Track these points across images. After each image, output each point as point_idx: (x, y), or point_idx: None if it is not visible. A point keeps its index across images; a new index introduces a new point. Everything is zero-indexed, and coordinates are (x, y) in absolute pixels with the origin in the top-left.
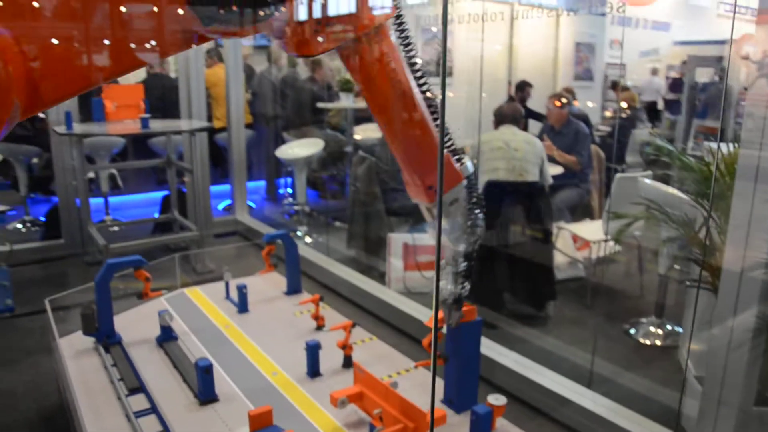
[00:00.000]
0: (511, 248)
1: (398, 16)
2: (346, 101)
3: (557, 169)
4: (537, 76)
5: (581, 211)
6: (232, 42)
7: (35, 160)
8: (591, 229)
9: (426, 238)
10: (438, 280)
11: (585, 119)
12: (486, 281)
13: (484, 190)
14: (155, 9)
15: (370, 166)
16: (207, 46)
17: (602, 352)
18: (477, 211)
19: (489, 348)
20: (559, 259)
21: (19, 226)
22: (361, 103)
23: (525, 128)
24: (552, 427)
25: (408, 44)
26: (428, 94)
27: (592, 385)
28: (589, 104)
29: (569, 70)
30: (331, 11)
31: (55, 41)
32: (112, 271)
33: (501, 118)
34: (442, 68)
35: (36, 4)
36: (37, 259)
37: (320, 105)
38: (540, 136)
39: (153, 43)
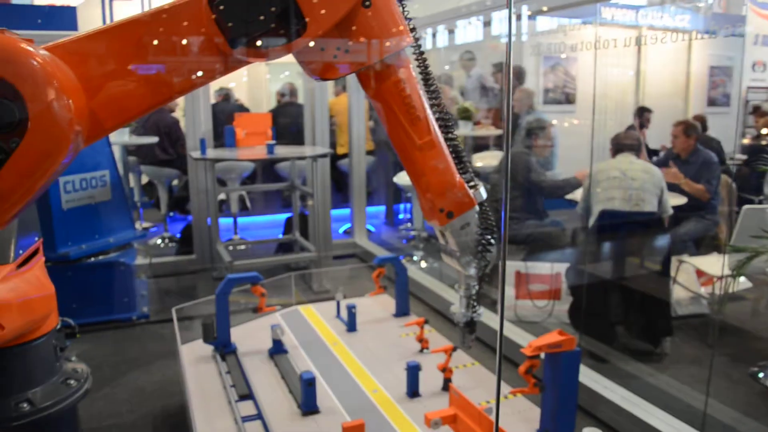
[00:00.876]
0: (625, 280)
1: (417, 44)
2: (465, 129)
3: (681, 200)
4: (666, 102)
5: (707, 245)
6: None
7: (175, 182)
8: (716, 264)
9: (539, 267)
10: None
11: (718, 148)
12: (598, 313)
13: (598, 219)
14: (189, 41)
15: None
16: None
17: (722, 395)
18: (489, 236)
19: (595, 381)
20: (680, 293)
21: (159, 241)
22: (481, 131)
23: (649, 155)
24: None
25: (425, 68)
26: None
27: (705, 429)
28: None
29: (702, 96)
30: (353, 36)
31: (109, 76)
32: (231, 285)
33: (618, 146)
34: (507, 102)
35: (93, 46)
36: (172, 272)
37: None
38: (661, 164)
39: (194, 72)
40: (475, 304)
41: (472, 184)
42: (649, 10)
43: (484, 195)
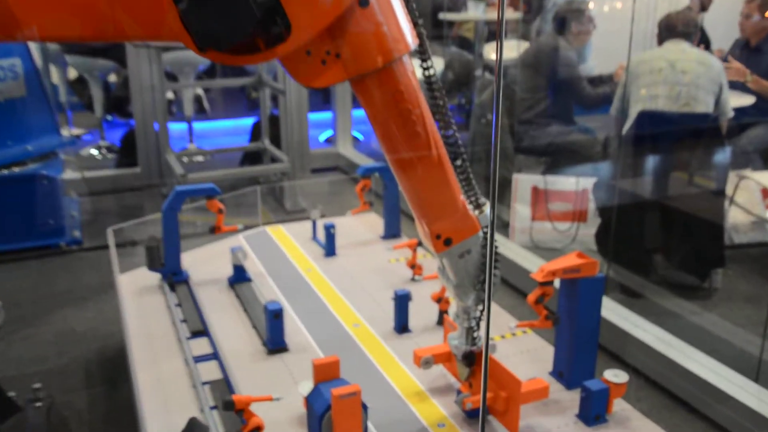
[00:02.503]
0: (668, 199)
1: (422, 48)
2: (476, 11)
3: (746, 100)
4: None
5: None
6: None
7: (112, 78)
8: None
9: (562, 182)
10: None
11: None
12: (632, 239)
13: (636, 123)
14: None
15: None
16: None
17: None
18: (494, 265)
19: (624, 318)
20: (738, 217)
21: (94, 151)
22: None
23: (705, 45)
24: (698, 425)
25: (429, 76)
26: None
27: (760, 378)
28: None
29: None
30: (345, 41)
31: None
32: (180, 199)
33: (668, 30)
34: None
35: None
36: (111, 189)
37: (443, 16)
38: (726, 57)
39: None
40: (475, 335)
41: (479, 202)
42: None
43: (489, 218)
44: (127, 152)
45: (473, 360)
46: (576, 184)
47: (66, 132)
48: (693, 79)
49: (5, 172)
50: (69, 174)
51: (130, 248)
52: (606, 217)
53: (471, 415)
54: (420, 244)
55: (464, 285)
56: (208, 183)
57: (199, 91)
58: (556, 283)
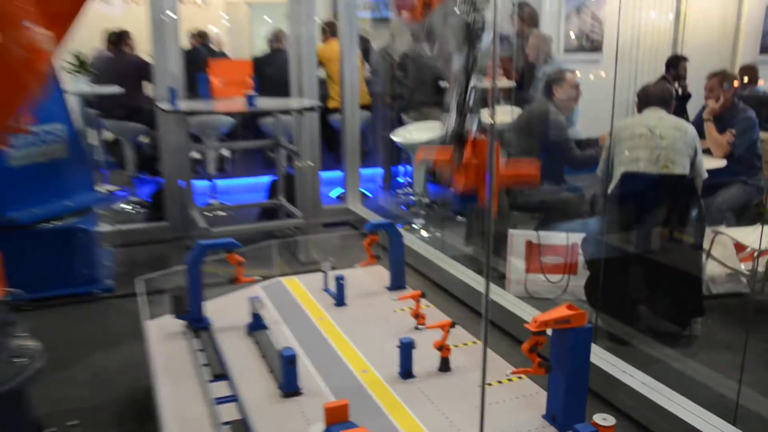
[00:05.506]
0: (651, 253)
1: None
2: (474, 80)
3: (719, 163)
4: (710, 49)
5: (748, 215)
6: (347, 14)
7: (144, 139)
8: (758, 236)
9: (553, 237)
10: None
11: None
12: (618, 290)
13: (619, 183)
14: None
15: None
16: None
17: (759, 384)
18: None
19: (612, 365)
20: (715, 270)
21: (126, 206)
22: (489, 83)
23: (680, 112)
24: None
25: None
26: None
27: (738, 421)
28: None
29: (755, 42)
30: None
31: None
32: (203, 252)
33: (646, 99)
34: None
35: None
36: (142, 241)
37: (443, 84)
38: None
39: None
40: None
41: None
42: None
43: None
44: (155, 207)
45: (463, 138)
46: (566, 239)
47: (101, 188)
48: (670, 143)
49: (47, 225)
50: (103, 227)
51: (157, 296)
52: (594, 269)
53: (465, 202)
54: (423, 295)
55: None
56: (228, 237)
57: (222, 152)
58: (549, 332)
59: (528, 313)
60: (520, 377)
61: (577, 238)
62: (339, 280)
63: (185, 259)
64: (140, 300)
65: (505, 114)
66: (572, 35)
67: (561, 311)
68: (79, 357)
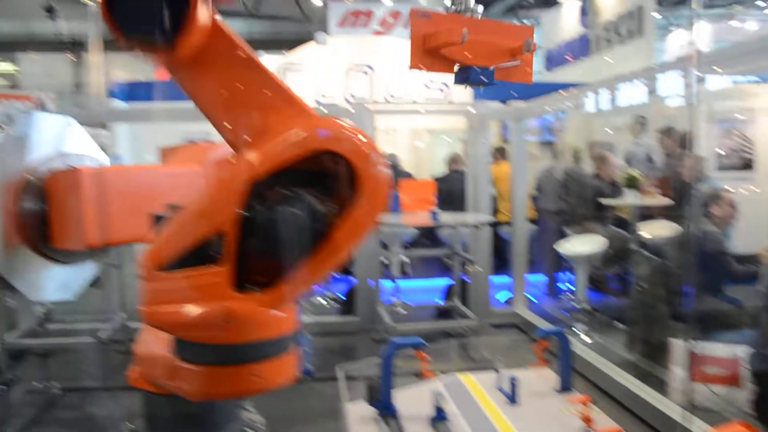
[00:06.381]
0: None
1: None
2: (631, 198)
3: None
4: None
5: None
6: (517, 139)
7: None
8: None
9: (715, 349)
10: None
11: None
12: None
13: None
14: None
15: (655, 267)
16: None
17: None
18: None
19: None
20: None
21: (323, 301)
22: (648, 200)
23: None
24: None
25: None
26: None
27: None
28: None
29: None
30: None
31: None
32: (396, 349)
33: None
34: None
35: None
36: (333, 332)
37: (603, 201)
38: None
39: None
40: None
41: None
42: None
43: None
44: (348, 303)
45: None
46: (729, 350)
47: None
48: None
49: None
50: (305, 318)
51: (350, 382)
52: (764, 384)
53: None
54: (593, 401)
55: None
56: (417, 337)
57: (404, 258)
58: None
59: (692, 423)
60: None
61: (740, 350)
62: (512, 380)
63: (379, 353)
64: (341, 385)
65: (664, 229)
66: (723, 154)
67: (735, 429)
68: (282, 430)
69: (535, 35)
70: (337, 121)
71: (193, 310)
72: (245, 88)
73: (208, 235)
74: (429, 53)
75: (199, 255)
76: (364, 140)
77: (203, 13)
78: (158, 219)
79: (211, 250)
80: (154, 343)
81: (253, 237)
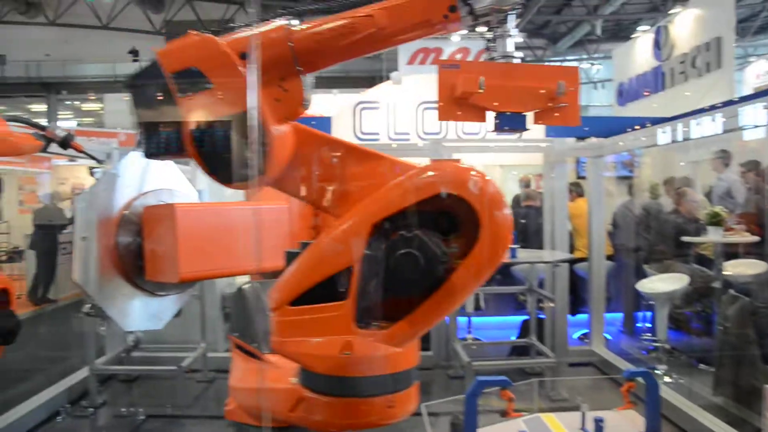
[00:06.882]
0: None
1: None
2: (715, 235)
3: None
4: None
5: None
6: (595, 175)
7: None
8: None
9: None
10: None
11: None
12: None
13: None
14: None
15: (743, 307)
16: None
17: None
18: None
19: None
20: None
21: None
22: (733, 238)
23: None
24: None
25: None
26: None
27: None
28: None
29: None
30: None
31: None
32: (481, 387)
33: None
34: None
35: None
36: None
37: (685, 239)
38: None
39: None
40: None
41: None
42: None
43: None
44: (422, 338)
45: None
46: None
47: None
48: None
49: None
50: None
51: (432, 419)
52: None
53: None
54: None
55: None
56: (503, 376)
57: (478, 293)
58: None
59: None
60: None
61: None
62: (598, 421)
63: (466, 392)
64: (425, 421)
65: (749, 266)
66: None
67: None
68: None
69: (601, 70)
70: (460, 165)
71: (317, 342)
72: (336, 165)
73: (334, 273)
74: (458, 103)
75: (323, 292)
76: (488, 184)
77: (280, 136)
78: (291, 255)
79: (335, 288)
80: (254, 376)
81: (376, 276)
